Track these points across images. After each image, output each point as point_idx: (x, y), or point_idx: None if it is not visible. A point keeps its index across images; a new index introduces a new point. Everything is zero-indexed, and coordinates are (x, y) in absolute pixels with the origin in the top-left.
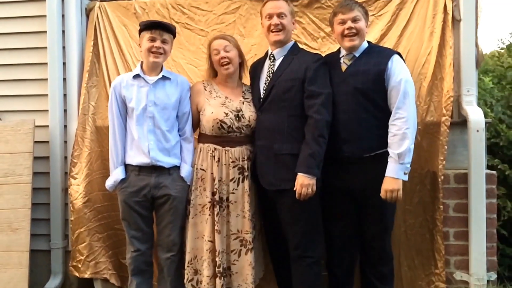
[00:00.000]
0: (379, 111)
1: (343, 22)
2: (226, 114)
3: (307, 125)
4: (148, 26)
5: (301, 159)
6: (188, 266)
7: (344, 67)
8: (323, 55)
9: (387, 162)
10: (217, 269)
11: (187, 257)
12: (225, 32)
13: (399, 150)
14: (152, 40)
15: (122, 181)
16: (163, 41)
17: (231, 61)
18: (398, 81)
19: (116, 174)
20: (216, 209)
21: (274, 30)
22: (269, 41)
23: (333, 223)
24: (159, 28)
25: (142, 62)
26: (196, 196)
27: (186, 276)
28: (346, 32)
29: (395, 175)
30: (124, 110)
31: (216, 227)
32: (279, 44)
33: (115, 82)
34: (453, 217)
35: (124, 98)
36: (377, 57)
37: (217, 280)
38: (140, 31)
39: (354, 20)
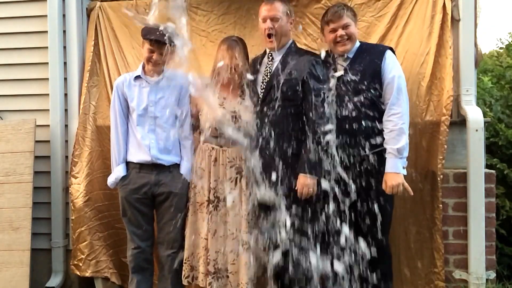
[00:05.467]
0: (376, 109)
1: (334, 30)
2: (223, 115)
3: (308, 125)
4: (148, 38)
5: (303, 159)
6: (185, 263)
7: (340, 68)
8: None
9: (384, 159)
10: (207, 267)
11: (185, 254)
12: (226, 33)
13: (398, 145)
14: (151, 51)
15: (123, 178)
16: (161, 54)
17: (236, 68)
18: (391, 77)
19: (118, 171)
20: (210, 208)
21: (268, 34)
22: (265, 46)
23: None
24: (157, 43)
25: (144, 63)
26: (195, 194)
27: (183, 273)
28: (338, 39)
29: (396, 170)
30: (126, 109)
31: (208, 226)
32: (274, 49)
33: (118, 80)
34: (452, 216)
35: (126, 97)
36: (371, 55)
37: (207, 278)
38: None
39: (345, 27)
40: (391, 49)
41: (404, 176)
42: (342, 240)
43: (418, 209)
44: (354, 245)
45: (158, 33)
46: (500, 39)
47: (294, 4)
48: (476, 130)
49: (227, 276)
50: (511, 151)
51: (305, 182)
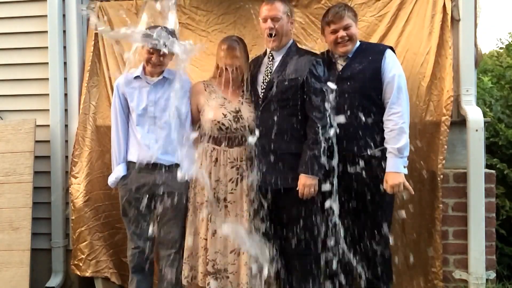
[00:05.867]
0: (376, 108)
1: (335, 31)
2: (225, 115)
3: (309, 126)
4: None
5: (304, 160)
6: (185, 263)
7: (339, 67)
8: None
9: (384, 159)
10: (206, 267)
11: (185, 254)
12: (226, 33)
13: (398, 145)
14: (150, 53)
15: (123, 177)
16: (161, 55)
17: (237, 68)
18: (392, 76)
19: (118, 171)
20: (212, 209)
21: (269, 35)
22: (267, 46)
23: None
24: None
25: (144, 63)
26: (195, 194)
27: (183, 272)
28: (339, 40)
29: (397, 170)
30: (126, 108)
31: (208, 226)
32: (276, 49)
33: (118, 80)
34: (452, 216)
35: (126, 97)
36: (371, 54)
37: (206, 278)
38: None
39: (345, 28)
40: (391, 48)
41: (405, 175)
42: (341, 240)
43: (417, 209)
44: (353, 245)
45: (157, 35)
46: (500, 39)
47: (294, 4)
48: (476, 130)
49: (227, 277)
50: (511, 151)
51: (306, 182)
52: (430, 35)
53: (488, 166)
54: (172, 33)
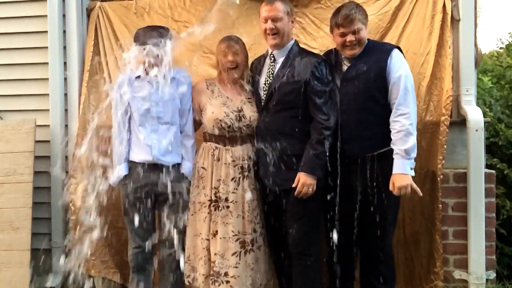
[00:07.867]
0: (381, 109)
1: (344, 34)
2: (227, 114)
3: (313, 126)
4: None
5: (306, 159)
6: (186, 262)
7: (344, 67)
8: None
9: (389, 160)
10: (208, 269)
11: (186, 253)
12: (226, 32)
13: (405, 146)
14: (147, 55)
15: (125, 177)
16: (158, 56)
17: (238, 65)
18: (398, 76)
19: (119, 170)
20: (213, 209)
21: (269, 33)
22: (267, 44)
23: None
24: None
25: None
26: (196, 194)
27: (184, 272)
28: (347, 44)
29: (404, 171)
30: (128, 108)
31: (210, 227)
32: (277, 47)
33: (119, 80)
34: (452, 216)
35: (128, 97)
36: (377, 54)
37: (207, 280)
38: None
39: (355, 32)
40: (398, 48)
41: (412, 177)
42: (344, 240)
43: (417, 209)
44: (356, 247)
45: (151, 37)
46: (500, 39)
47: (294, 4)
48: (476, 130)
49: (227, 281)
50: (511, 151)
51: (305, 182)
52: (430, 35)
53: (488, 166)
54: (161, 33)
